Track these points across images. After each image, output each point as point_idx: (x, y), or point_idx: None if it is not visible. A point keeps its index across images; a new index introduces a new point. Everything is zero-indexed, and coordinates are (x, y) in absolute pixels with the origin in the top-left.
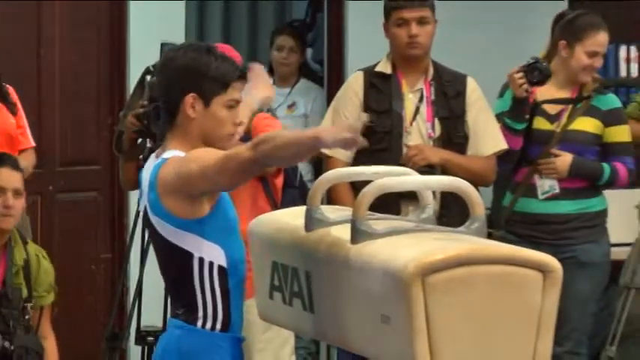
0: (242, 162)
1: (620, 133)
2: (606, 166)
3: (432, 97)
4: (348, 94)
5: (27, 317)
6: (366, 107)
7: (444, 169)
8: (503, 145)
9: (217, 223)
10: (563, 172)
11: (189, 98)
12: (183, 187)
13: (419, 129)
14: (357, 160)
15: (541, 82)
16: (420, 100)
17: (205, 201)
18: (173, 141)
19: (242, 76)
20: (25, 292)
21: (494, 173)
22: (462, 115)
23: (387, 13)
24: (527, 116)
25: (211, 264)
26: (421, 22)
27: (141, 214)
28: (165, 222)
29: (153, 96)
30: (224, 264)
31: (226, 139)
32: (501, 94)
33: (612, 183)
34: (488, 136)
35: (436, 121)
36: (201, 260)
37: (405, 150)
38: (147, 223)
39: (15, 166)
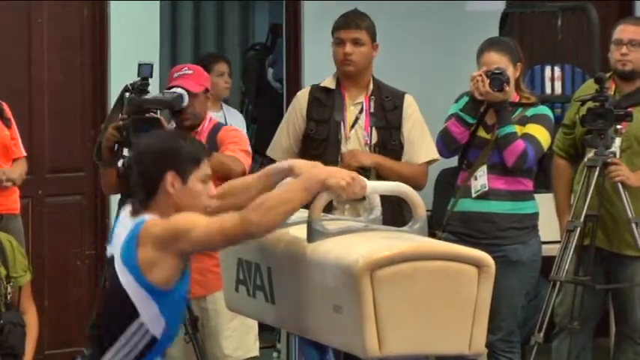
0: (232, 231)
1: (534, 129)
2: (513, 129)
3: (371, 109)
4: (295, 106)
5: (8, 296)
6: (308, 118)
7: (378, 172)
8: (435, 155)
9: (174, 300)
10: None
11: (169, 176)
12: (170, 242)
13: (357, 136)
14: None
15: (500, 90)
16: (360, 111)
17: (176, 270)
18: (150, 211)
19: (208, 153)
20: (3, 272)
21: (426, 179)
22: (398, 126)
23: (332, 33)
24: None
25: (146, 332)
26: (356, 42)
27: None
28: (131, 275)
29: (131, 110)
30: (158, 336)
31: (202, 211)
32: (457, 100)
33: (505, 144)
34: (421, 146)
35: (373, 130)
36: (141, 324)
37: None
38: (110, 269)
39: None
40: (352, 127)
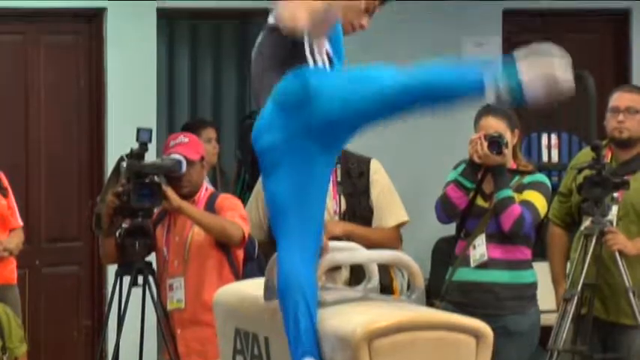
0: None
1: (531, 196)
2: (510, 193)
3: (338, 178)
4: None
5: None
6: None
7: (350, 240)
8: (404, 218)
9: None
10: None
11: None
12: None
13: (326, 207)
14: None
15: (498, 153)
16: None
17: None
18: None
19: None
20: None
21: (399, 242)
22: (366, 191)
23: None
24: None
25: None
26: None
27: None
28: None
29: (131, 175)
30: None
31: None
32: (455, 168)
33: (502, 208)
34: (390, 211)
35: (342, 198)
36: None
37: None
38: None
39: None
40: None
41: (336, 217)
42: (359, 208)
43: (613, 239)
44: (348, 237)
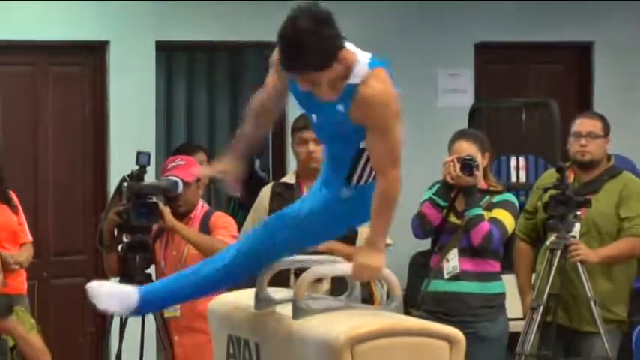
0: None
1: (499, 214)
2: (480, 211)
3: None
4: (259, 201)
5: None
6: (270, 210)
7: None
8: (388, 240)
9: None
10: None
11: None
12: None
13: None
14: None
15: (470, 175)
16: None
17: None
18: None
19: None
20: (11, 343)
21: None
22: None
23: (292, 134)
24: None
25: None
26: (316, 141)
27: None
28: None
29: (131, 196)
30: None
31: None
32: (430, 188)
33: (472, 225)
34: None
35: None
36: None
37: None
38: None
39: None
40: None
41: None
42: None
43: (576, 250)
44: (331, 254)
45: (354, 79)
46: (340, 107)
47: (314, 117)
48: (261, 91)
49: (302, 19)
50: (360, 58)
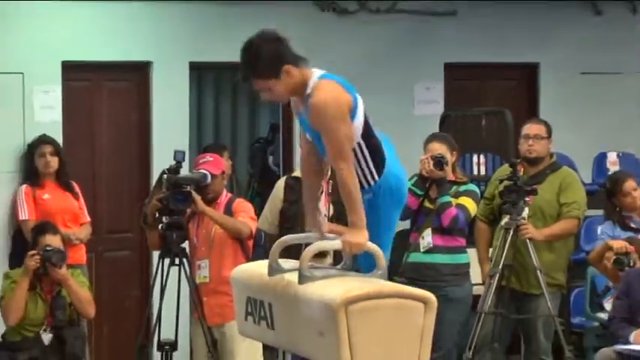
0: None
1: (464, 200)
2: (448, 199)
3: (329, 190)
4: (275, 192)
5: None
6: (283, 200)
7: None
8: None
9: None
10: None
11: None
12: None
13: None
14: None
15: (440, 169)
16: (321, 193)
17: None
18: None
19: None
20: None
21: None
22: None
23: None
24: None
25: None
26: None
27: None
28: None
29: (169, 186)
30: None
31: None
32: (410, 179)
33: (442, 209)
34: None
35: (330, 205)
36: None
37: None
38: None
39: (55, 231)
40: None
41: (326, 220)
42: (343, 213)
43: (525, 229)
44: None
45: (308, 92)
46: (305, 118)
47: (308, 135)
48: (301, 160)
49: (255, 38)
50: (314, 74)
